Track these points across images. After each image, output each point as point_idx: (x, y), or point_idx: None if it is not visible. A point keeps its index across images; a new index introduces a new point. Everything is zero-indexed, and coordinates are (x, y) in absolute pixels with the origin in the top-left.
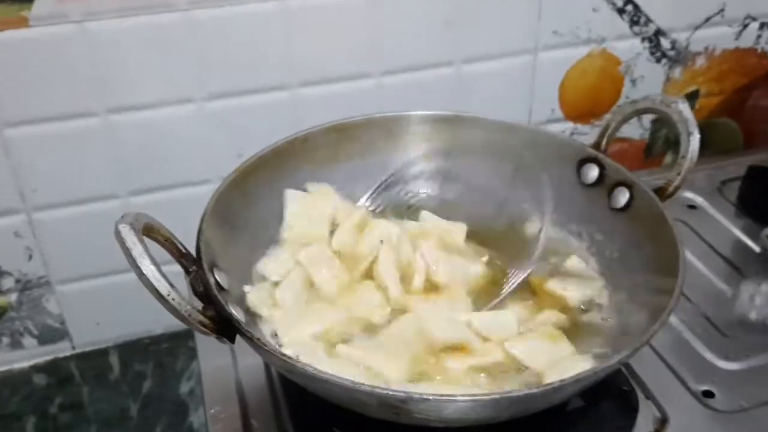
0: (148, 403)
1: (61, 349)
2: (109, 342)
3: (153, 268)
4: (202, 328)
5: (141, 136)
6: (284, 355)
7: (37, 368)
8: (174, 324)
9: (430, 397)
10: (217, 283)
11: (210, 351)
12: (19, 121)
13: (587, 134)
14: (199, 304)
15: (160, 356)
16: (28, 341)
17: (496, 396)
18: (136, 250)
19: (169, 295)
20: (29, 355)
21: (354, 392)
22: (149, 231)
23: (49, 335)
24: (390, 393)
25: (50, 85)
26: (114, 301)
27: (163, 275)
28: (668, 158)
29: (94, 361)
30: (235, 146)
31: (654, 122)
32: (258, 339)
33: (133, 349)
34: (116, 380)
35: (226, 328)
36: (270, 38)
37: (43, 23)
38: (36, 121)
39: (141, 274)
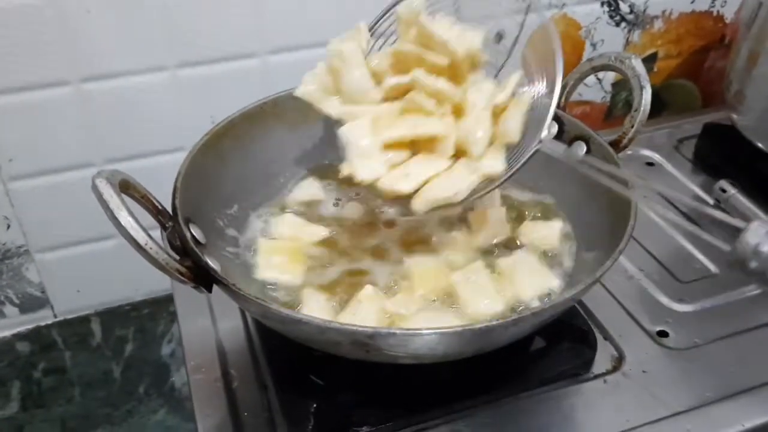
0: (131, 366)
1: (43, 317)
2: (89, 309)
3: (130, 219)
4: (180, 276)
5: (114, 104)
6: (259, 298)
7: (19, 336)
8: (154, 290)
9: (396, 331)
10: (193, 236)
11: (190, 313)
12: None
13: None
14: (176, 257)
15: (141, 321)
16: (10, 310)
17: (459, 328)
18: (114, 202)
19: (146, 244)
20: (11, 324)
21: (325, 330)
22: (126, 187)
23: (30, 304)
24: (358, 329)
25: (21, 54)
26: (93, 268)
27: (141, 226)
28: (626, 120)
29: (76, 327)
30: (207, 113)
31: (614, 86)
32: (233, 285)
33: (114, 316)
34: (98, 345)
35: (202, 277)
36: (240, 7)
37: None
38: (9, 91)
39: (119, 226)
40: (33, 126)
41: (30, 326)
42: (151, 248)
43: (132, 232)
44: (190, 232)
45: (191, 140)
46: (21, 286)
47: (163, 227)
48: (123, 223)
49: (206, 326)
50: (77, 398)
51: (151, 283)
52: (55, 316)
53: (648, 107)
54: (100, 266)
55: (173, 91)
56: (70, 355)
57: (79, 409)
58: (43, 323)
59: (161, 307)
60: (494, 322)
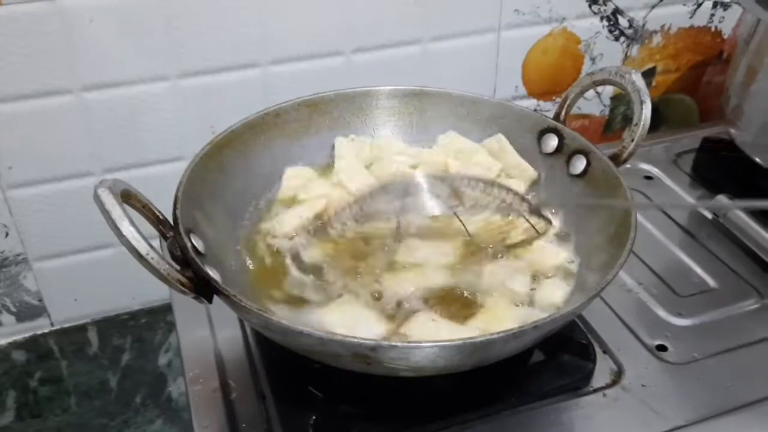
0: (127, 375)
1: (40, 326)
2: (87, 318)
3: (132, 229)
4: (180, 287)
5: (115, 113)
6: (260, 310)
7: (16, 345)
8: (151, 300)
9: (398, 344)
10: (194, 247)
11: (188, 323)
12: None
13: (549, 111)
14: (177, 267)
15: (138, 331)
16: (6, 318)
17: (459, 342)
18: (116, 212)
19: (148, 254)
20: (7, 333)
21: (327, 343)
22: (127, 197)
23: (27, 312)
24: (360, 341)
25: (24, 62)
26: (91, 277)
27: (143, 236)
28: (626, 134)
29: (73, 336)
30: (208, 123)
31: (613, 99)
32: (234, 296)
33: (111, 325)
34: (95, 354)
35: (203, 287)
36: (242, 17)
37: (16, 0)
38: (10, 98)
39: (120, 235)
40: (33, 134)
41: (27, 335)
42: (152, 258)
43: (133, 242)
44: (191, 243)
45: (191, 150)
46: (18, 294)
47: (164, 237)
48: (125, 233)
49: (205, 336)
50: (73, 408)
51: (149, 292)
52: (52, 325)
53: (648, 121)
54: (97, 275)
55: (174, 101)
56: (66, 364)
57: (75, 419)
58: (39, 332)
59: (159, 316)
60: (494, 336)
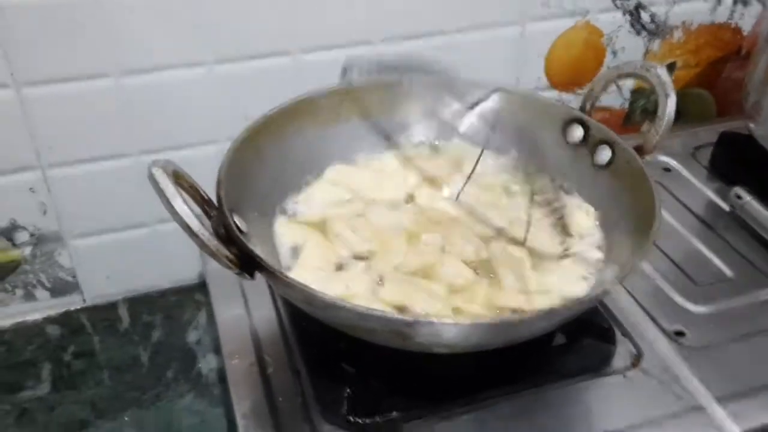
0: (158, 351)
1: (72, 302)
2: (118, 296)
3: (185, 207)
4: (228, 262)
5: (152, 97)
6: (302, 284)
7: (49, 320)
8: (181, 279)
9: (434, 321)
10: (237, 225)
11: (224, 301)
12: (36, 81)
13: (570, 102)
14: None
15: (169, 309)
16: (41, 294)
17: (494, 320)
18: (169, 190)
19: (199, 231)
20: (41, 307)
21: (366, 318)
22: (177, 177)
23: (61, 288)
24: (398, 318)
25: (66, 47)
26: (124, 256)
27: (195, 214)
28: (645, 127)
29: (105, 313)
30: (241, 108)
31: (633, 92)
32: (279, 271)
33: (142, 302)
34: (126, 330)
35: (246, 263)
36: (275, 5)
37: None
38: (52, 81)
39: (174, 213)
40: (73, 116)
41: (60, 310)
42: (203, 235)
43: (186, 219)
44: (234, 222)
45: (224, 134)
46: (53, 270)
47: (208, 216)
48: (178, 211)
49: (240, 314)
50: (106, 381)
51: (179, 271)
52: (84, 302)
53: (672, 115)
54: (130, 254)
55: (209, 86)
56: (98, 339)
57: (108, 391)
58: (72, 308)
59: (187, 295)
60: (527, 315)
